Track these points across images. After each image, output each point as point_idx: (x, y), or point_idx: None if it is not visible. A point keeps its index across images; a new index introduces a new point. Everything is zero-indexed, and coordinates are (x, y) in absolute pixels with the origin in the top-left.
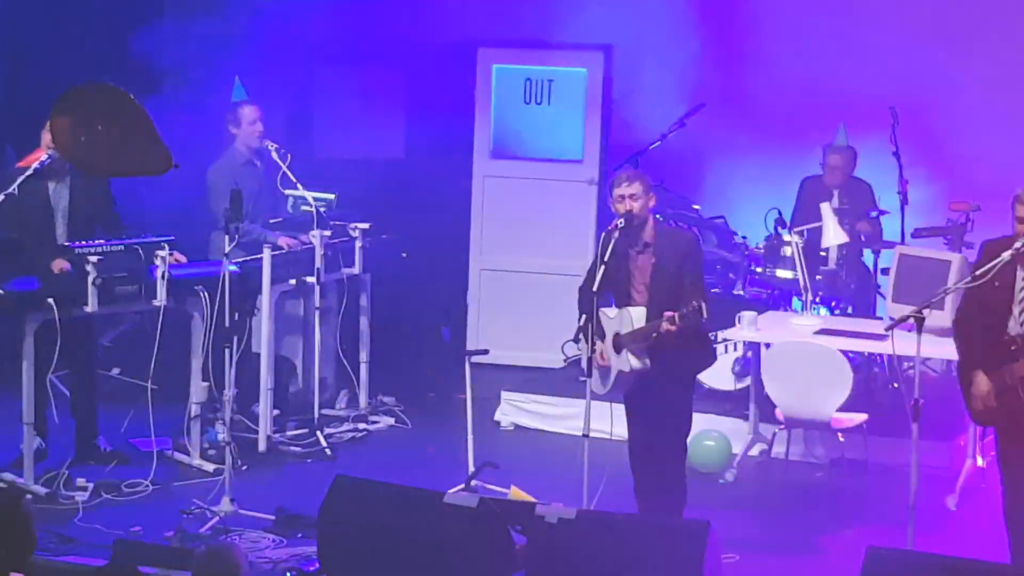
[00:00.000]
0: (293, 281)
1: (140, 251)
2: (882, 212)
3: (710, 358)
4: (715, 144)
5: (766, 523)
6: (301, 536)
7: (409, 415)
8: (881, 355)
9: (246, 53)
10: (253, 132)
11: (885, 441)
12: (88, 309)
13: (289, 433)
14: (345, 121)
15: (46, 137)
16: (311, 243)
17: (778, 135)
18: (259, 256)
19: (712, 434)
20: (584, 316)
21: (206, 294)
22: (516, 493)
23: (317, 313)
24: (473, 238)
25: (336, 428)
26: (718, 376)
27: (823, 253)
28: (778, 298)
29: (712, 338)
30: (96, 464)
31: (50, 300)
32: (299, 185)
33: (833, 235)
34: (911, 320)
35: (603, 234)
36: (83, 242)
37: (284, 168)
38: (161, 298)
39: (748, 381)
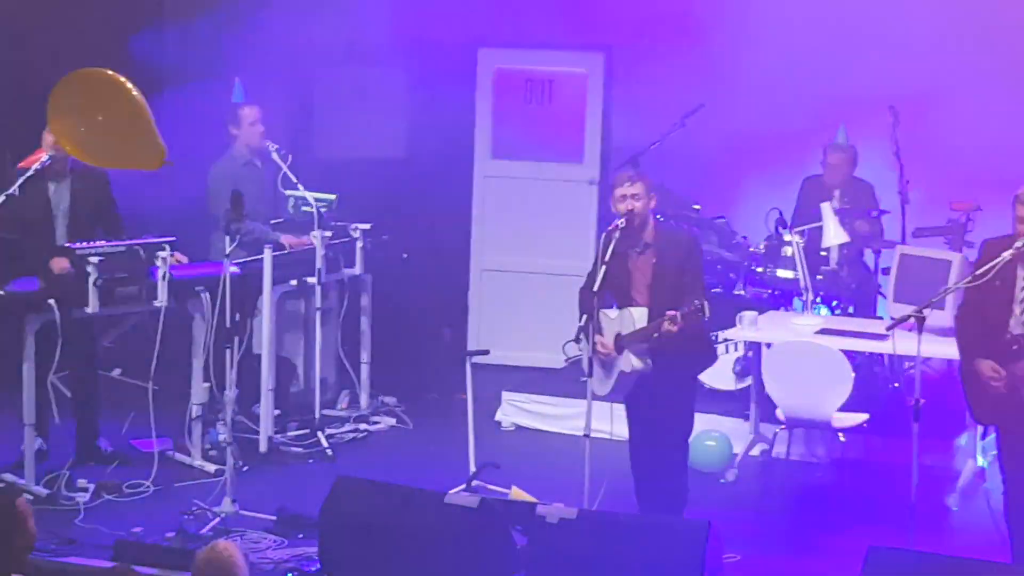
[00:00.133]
0: (294, 282)
1: (141, 252)
2: (882, 212)
3: (711, 358)
4: (715, 144)
5: (767, 523)
6: (302, 536)
7: (410, 415)
8: (882, 355)
9: (246, 54)
10: (254, 133)
11: (886, 441)
12: (89, 310)
13: (290, 434)
14: (346, 121)
15: (47, 138)
16: (312, 243)
17: (778, 135)
18: (260, 257)
19: (713, 434)
20: (585, 316)
21: (207, 295)
22: (517, 493)
23: (318, 313)
24: (474, 238)
25: (337, 428)
26: (719, 376)
27: (824, 253)
28: (779, 298)
29: (713, 338)
30: (97, 465)
31: (51, 301)
32: (300, 185)
33: (833, 235)
34: (912, 320)
35: (603, 234)
36: (84, 243)
37: (285, 169)
38: (162, 299)
39: (749, 381)
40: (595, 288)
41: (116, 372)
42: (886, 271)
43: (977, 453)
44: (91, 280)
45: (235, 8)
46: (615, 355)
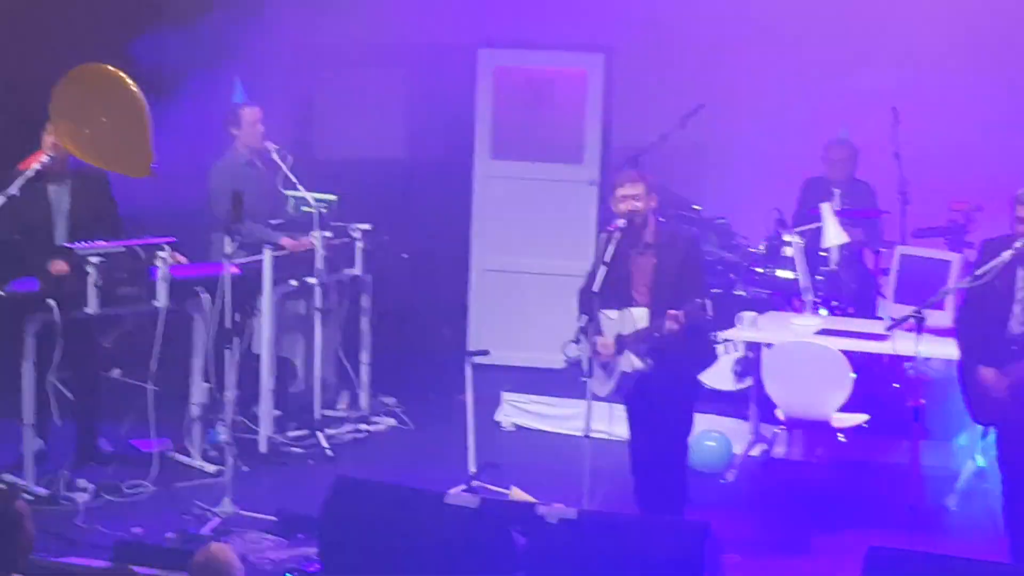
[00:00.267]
0: (294, 282)
1: (141, 252)
2: (881, 212)
3: (710, 358)
4: (716, 144)
5: (767, 523)
6: (302, 537)
7: (410, 416)
8: (882, 355)
9: (247, 54)
10: (254, 133)
11: (886, 441)
12: (89, 310)
13: (290, 434)
14: (346, 122)
15: (47, 139)
16: (312, 245)
17: (778, 135)
18: (260, 257)
19: (713, 434)
20: (585, 317)
21: (207, 295)
22: (517, 493)
23: (318, 314)
24: (474, 239)
25: (337, 429)
26: (719, 376)
27: (823, 253)
28: (779, 298)
29: (712, 338)
30: (97, 465)
31: (51, 301)
32: (300, 186)
33: (833, 235)
34: (911, 320)
35: (603, 235)
36: (84, 243)
37: (285, 169)
38: (162, 299)
39: (749, 381)
40: (595, 288)
41: (116, 372)
42: (886, 271)
43: (976, 453)
44: (91, 281)
45: (236, 9)
46: (615, 357)
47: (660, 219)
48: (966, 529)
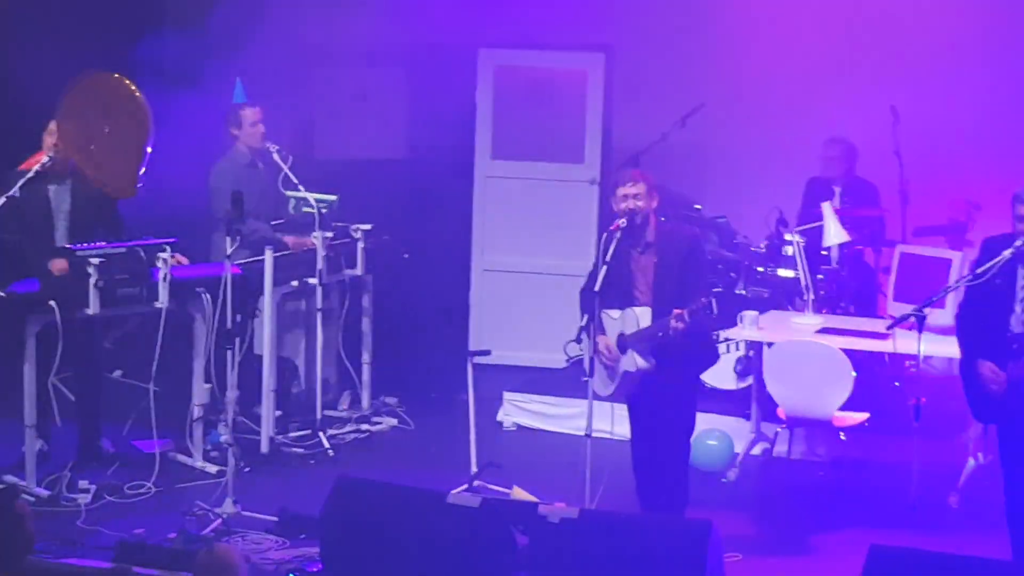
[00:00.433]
0: (295, 282)
1: (142, 253)
2: (875, 211)
3: (713, 357)
4: (716, 144)
5: (768, 522)
6: (304, 537)
7: (411, 416)
8: (883, 354)
9: (248, 55)
10: (255, 134)
11: (887, 439)
12: (90, 311)
13: (291, 434)
14: (346, 122)
15: (47, 140)
16: (314, 244)
17: (779, 135)
18: (261, 258)
19: (714, 433)
20: (586, 316)
21: (208, 296)
22: (518, 493)
23: (319, 314)
24: (475, 239)
25: (338, 429)
26: (720, 375)
27: (824, 252)
28: (780, 297)
29: (714, 337)
30: (98, 466)
31: (52, 302)
32: (301, 186)
33: (834, 234)
34: (912, 319)
35: (604, 234)
36: (84, 244)
37: (286, 169)
38: (163, 300)
39: (750, 380)
40: (596, 288)
41: (117, 373)
42: (887, 270)
43: (978, 451)
44: (92, 281)
45: (236, 9)
46: (619, 358)
47: (661, 218)
48: (967, 527)
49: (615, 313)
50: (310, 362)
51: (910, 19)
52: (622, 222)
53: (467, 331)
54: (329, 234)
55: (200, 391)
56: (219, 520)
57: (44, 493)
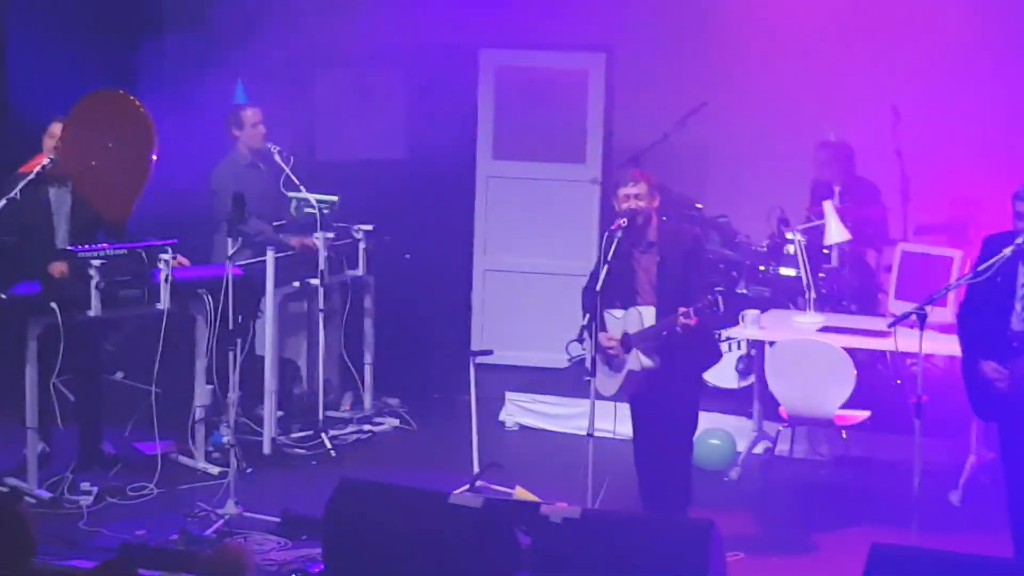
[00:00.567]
0: (297, 283)
1: (143, 255)
2: (872, 210)
3: (716, 356)
4: (717, 143)
5: (770, 520)
6: (306, 538)
7: (414, 416)
8: (884, 352)
9: (248, 55)
10: (256, 134)
11: (888, 438)
12: (91, 313)
13: (293, 435)
14: (347, 123)
15: (48, 142)
16: (316, 245)
17: (779, 134)
18: (262, 259)
19: (717, 432)
20: (588, 316)
21: (209, 297)
22: (521, 493)
23: (321, 315)
24: (476, 239)
25: (341, 430)
26: (722, 374)
27: (826, 251)
28: (781, 296)
29: (717, 336)
30: (100, 468)
31: (53, 304)
32: (302, 187)
33: (835, 233)
34: (913, 317)
35: (606, 234)
36: (85, 246)
37: (287, 170)
38: (164, 301)
39: (752, 379)
40: (598, 288)
41: (119, 375)
42: (888, 268)
43: (980, 449)
44: (93, 283)
45: (237, 10)
46: (622, 351)
47: (663, 218)
48: (969, 525)
49: (618, 313)
50: (312, 363)
51: (910, 19)
52: (623, 222)
53: (469, 331)
54: (331, 235)
55: (202, 392)
56: (221, 521)
57: (46, 495)
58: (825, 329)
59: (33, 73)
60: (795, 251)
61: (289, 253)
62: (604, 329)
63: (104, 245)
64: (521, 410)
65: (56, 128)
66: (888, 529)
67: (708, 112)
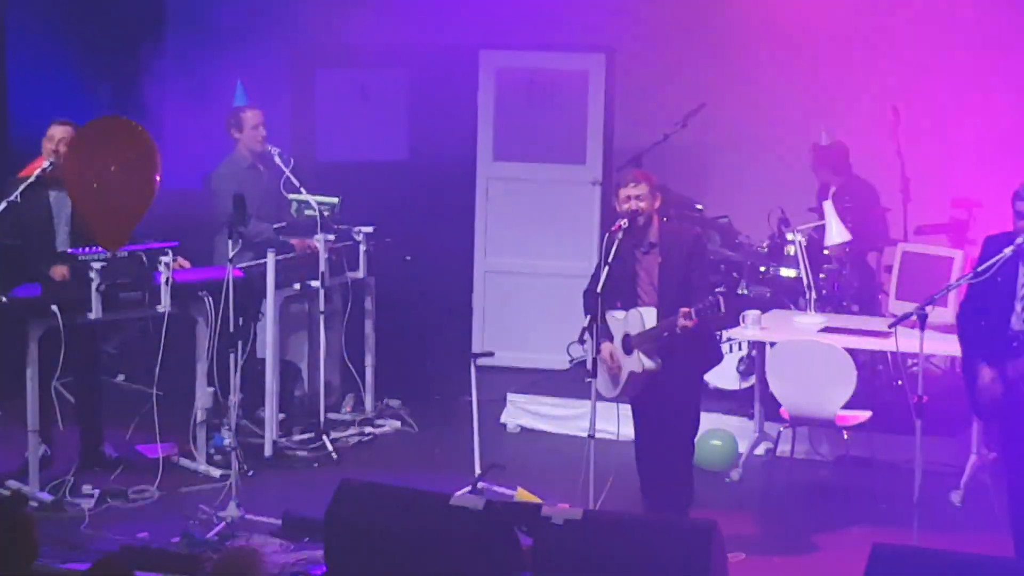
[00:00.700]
0: (297, 285)
1: (144, 257)
2: (883, 209)
3: (717, 357)
4: (717, 143)
5: (772, 521)
6: (308, 540)
7: (415, 418)
8: (885, 352)
9: (248, 57)
10: (256, 136)
11: (889, 438)
12: (92, 316)
13: (295, 438)
14: (348, 125)
15: (47, 146)
16: (317, 247)
17: (780, 134)
18: (263, 261)
19: (718, 433)
20: (589, 317)
21: (210, 299)
22: (522, 494)
23: (322, 317)
24: (477, 240)
25: (342, 432)
26: (723, 375)
27: (826, 252)
28: (782, 297)
29: (719, 337)
30: (102, 471)
31: (54, 307)
32: (303, 189)
33: (836, 233)
34: (914, 317)
35: (606, 235)
36: (86, 249)
37: (287, 172)
38: (165, 304)
39: (753, 380)
40: (599, 289)
41: (120, 378)
42: (888, 269)
43: (981, 449)
44: (94, 286)
45: (238, 11)
46: (621, 366)
47: (664, 219)
48: (970, 525)
49: (620, 314)
50: (313, 365)
51: (910, 19)
52: (624, 223)
53: (470, 333)
54: (331, 237)
55: (203, 395)
56: (223, 524)
57: (47, 498)
58: (826, 330)
59: (33, 75)
60: (795, 252)
61: (290, 255)
62: (606, 330)
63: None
64: (522, 411)
65: (55, 131)
66: (889, 529)
67: (708, 113)
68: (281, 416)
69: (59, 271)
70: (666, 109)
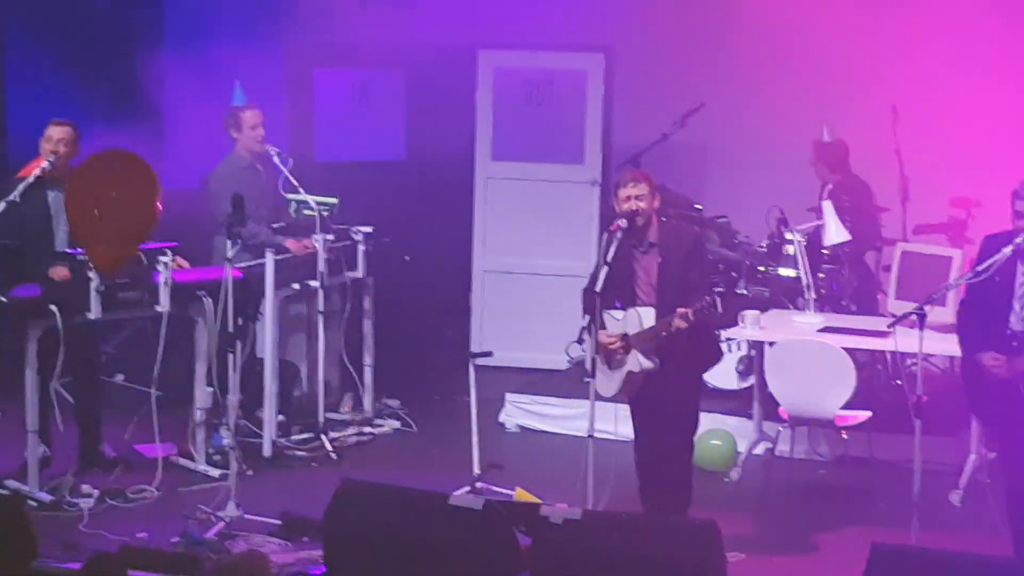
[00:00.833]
0: (296, 285)
1: (142, 257)
2: (879, 208)
3: (716, 356)
4: (716, 143)
5: (771, 521)
6: (307, 540)
7: (414, 418)
8: (884, 352)
9: (247, 57)
10: (255, 136)
11: (888, 438)
12: (91, 316)
13: (294, 437)
14: (346, 124)
15: (45, 146)
16: (315, 248)
17: (779, 134)
18: (262, 261)
19: (717, 433)
20: (588, 317)
21: (209, 299)
22: (521, 494)
23: (321, 317)
24: (476, 240)
25: (341, 432)
26: (722, 375)
27: (825, 251)
28: (781, 297)
29: (718, 336)
30: (101, 471)
31: (53, 307)
32: (301, 189)
33: (835, 233)
34: (913, 317)
35: (605, 235)
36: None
37: (286, 172)
38: (164, 304)
39: (752, 380)
40: (597, 288)
41: (119, 378)
42: (887, 269)
43: (980, 448)
44: (93, 286)
45: (236, 11)
46: (621, 351)
47: (663, 218)
48: (969, 525)
49: (618, 314)
50: (312, 365)
51: (910, 18)
52: (622, 222)
53: (468, 333)
54: (330, 237)
55: (202, 395)
56: (222, 524)
57: (46, 498)
58: (825, 329)
59: (32, 76)
60: (794, 251)
61: (287, 256)
62: (606, 330)
63: None
64: (521, 411)
65: (53, 131)
66: (889, 529)
67: (707, 112)
68: (280, 416)
69: (59, 271)
70: (665, 109)
